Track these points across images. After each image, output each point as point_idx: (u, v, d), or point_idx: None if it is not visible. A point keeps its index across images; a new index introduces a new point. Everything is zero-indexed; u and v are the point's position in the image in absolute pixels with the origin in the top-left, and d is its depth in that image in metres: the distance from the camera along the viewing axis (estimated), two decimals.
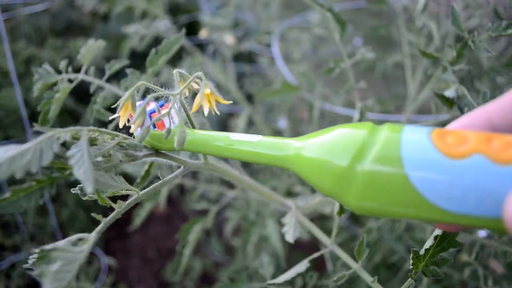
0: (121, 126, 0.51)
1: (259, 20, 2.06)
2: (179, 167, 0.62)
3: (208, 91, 0.54)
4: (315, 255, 0.72)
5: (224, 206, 1.39)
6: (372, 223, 1.15)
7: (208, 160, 0.64)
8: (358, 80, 1.01)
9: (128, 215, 1.42)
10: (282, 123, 1.67)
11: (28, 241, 1.77)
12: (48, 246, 0.46)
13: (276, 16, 1.94)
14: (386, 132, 0.43)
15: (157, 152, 0.57)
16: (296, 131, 1.78)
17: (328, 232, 0.80)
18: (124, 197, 0.56)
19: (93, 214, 0.52)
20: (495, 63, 1.20)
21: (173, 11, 2.32)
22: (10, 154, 0.40)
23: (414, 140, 0.42)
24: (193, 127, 0.58)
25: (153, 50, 0.74)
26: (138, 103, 0.53)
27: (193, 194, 1.35)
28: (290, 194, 1.31)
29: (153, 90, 0.53)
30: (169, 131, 0.52)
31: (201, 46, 1.88)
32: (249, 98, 1.90)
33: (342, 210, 0.71)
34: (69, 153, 0.43)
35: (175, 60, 1.77)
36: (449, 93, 0.69)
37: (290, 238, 0.72)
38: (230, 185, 1.37)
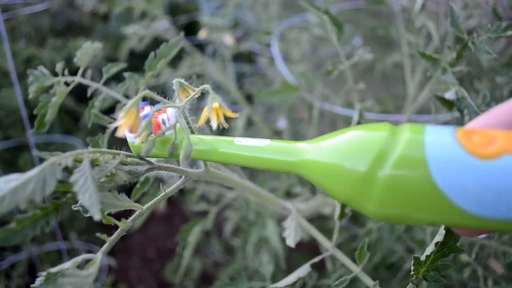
0: (121, 135, 0.49)
1: (258, 20, 2.06)
2: (180, 176, 0.61)
3: (216, 105, 0.53)
4: (316, 259, 0.72)
5: (224, 207, 1.39)
6: (372, 223, 1.15)
7: (208, 168, 0.62)
8: (358, 80, 1.02)
9: (128, 215, 1.42)
10: (282, 123, 1.67)
11: (28, 241, 1.77)
12: (54, 269, 0.45)
13: (276, 16, 1.94)
14: (407, 133, 0.40)
15: (159, 166, 0.56)
16: (295, 131, 1.78)
17: (328, 233, 0.80)
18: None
19: (98, 234, 0.51)
20: (495, 63, 1.20)
21: (173, 11, 2.32)
22: (12, 185, 0.39)
23: (439, 141, 0.39)
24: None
25: (151, 54, 0.73)
26: (143, 110, 0.52)
27: (193, 195, 1.35)
28: (289, 194, 1.31)
29: (155, 100, 0.53)
30: (173, 144, 0.50)
31: (201, 46, 1.88)
32: (249, 98, 1.90)
33: (343, 214, 0.70)
34: (72, 179, 0.42)
35: (175, 60, 1.77)
36: (449, 95, 0.69)
37: (291, 242, 0.71)
38: (229, 186, 1.37)
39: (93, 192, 0.41)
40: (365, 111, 0.88)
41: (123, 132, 0.48)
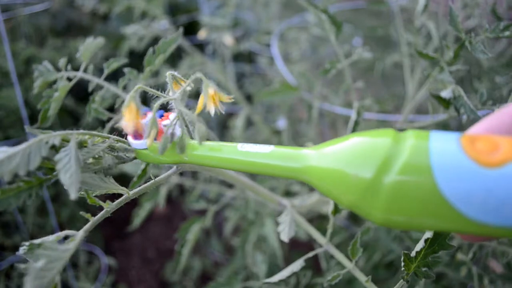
0: (129, 132, 0.49)
1: (258, 20, 2.07)
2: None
3: (212, 91, 0.53)
4: (310, 254, 0.72)
5: (224, 206, 1.39)
6: (370, 222, 1.15)
7: None
8: (357, 80, 1.02)
9: (127, 215, 1.43)
10: (281, 123, 1.67)
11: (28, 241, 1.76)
12: (37, 240, 0.46)
13: (275, 16, 1.95)
14: (412, 140, 0.40)
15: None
16: (295, 131, 1.78)
17: (326, 232, 0.80)
18: (119, 196, 0.55)
19: (82, 213, 0.52)
20: (495, 63, 1.20)
21: (173, 11, 2.32)
22: None
23: (444, 148, 0.39)
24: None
25: (150, 50, 0.74)
26: (146, 116, 0.51)
27: (192, 194, 1.35)
28: (288, 194, 1.31)
29: (153, 96, 0.53)
30: (167, 140, 0.50)
31: (201, 46, 1.88)
32: (249, 98, 1.90)
33: (336, 209, 0.70)
34: (56, 157, 0.44)
35: (175, 60, 1.77)
36: (446, 93, 0.69)
37: (285, 237, 0.71)
38: (229, 185, 1.38)
39: (75, 171, 0.42)
40: (364, 110, 0.88)
41: (132, 129, 0.49)
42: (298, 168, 0.47)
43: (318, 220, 1.41)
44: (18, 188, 0.47)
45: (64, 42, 2.15)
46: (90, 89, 0.78)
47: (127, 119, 0.48)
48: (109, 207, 0.53)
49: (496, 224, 0.37)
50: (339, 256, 0.72)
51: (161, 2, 1.67)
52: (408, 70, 1.23)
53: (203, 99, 0.53)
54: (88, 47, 0.75)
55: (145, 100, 0.52)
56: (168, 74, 0.55)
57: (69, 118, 2.04)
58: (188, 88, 0.55)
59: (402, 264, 0.55)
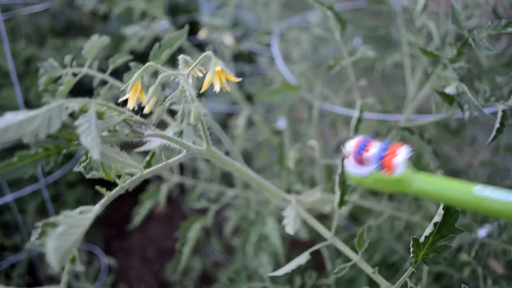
0: (131, 107, 0.51)
1: (258, 20, 2.07)
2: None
3: (219, 68, 0.54)
4: (316, 247, 0.72)
5: (224, 206, 1.39)
6: (372, 221, 1.15)
7: (210, 146, 0.64)
8: (358, 79, 1.02)
9: (127, 215, 1.42)
10: (282, 123, 1.67)
11: (28, 241, 1.76)
12: (51, 219, 0.46)
13: (275, 16, 1.95)
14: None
15: (161, 134, 0.56)
16: (295, 131, 1.78)
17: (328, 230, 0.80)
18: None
19: (98, 187, 0.52)
20: (495, 63, 1.21)
21: (173, 11, 2.32)
22: (19, 118, 0.41)
23: None
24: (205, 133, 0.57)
25: (156, 44, 0.74)
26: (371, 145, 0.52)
27: (193, 193, 1.35)
28: (290, 192, 1.31)
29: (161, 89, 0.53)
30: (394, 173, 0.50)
31: (201, 46, 1.88)
32: (249, 98, 1.90)
33: (342, 201, 0.71)
34: (77, 122, 0.44)
35: (175, 60, 1.77)
36: (450, 90, 0.69)
37: (290, 230, 0.71)
38: (230, 184, 1.37)
39: (96, 136, 0.43)
40: (366, 109, 0.88)
41: (133, 104, 0.51)
42: None
43: (319, 219, 1.41)
44: (36, 154, 0.46)
45: (64, 42, 2.14)
46: (94, 84, 0.79)
47: (131, 96, 0.50)
48: (124, 183, 0.53)
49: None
50: (345, 249, 0.72)
51: (161, 2, 1.67)
52: (409, 69, 1.23)
53: (210, 76, 0.54)
54: (94, 44, 0.75)
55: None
56: (181, 57, 0.57)
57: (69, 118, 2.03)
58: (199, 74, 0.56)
59: (411, 250, 0.55)
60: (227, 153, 0.74)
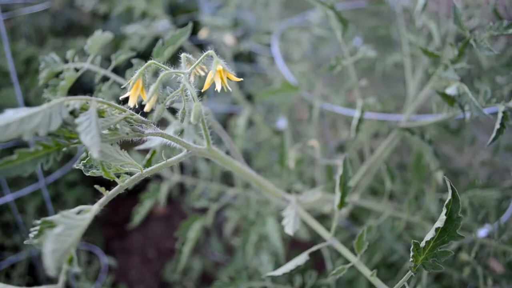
0: (131, 105, 0.51)
1: (259, 20, 2.06)
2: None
3: (220, 67, 0.54)
4: (315, 247, 0.72)
5: (224, 205, 1.39)
6: (372, 221, 1.15)
7: (211, 146, 0.64)
8: (359, 79, 1.02)
9: (127, 216, 1.42)
10: (282, 123, 1.67)
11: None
12: (48, 218, 0.46)
13: (276, 16, 1.94)
14: None
15: (162, 132, 0.57)
16: (296, 131, 1.78)
17: (328, 230, 0.80)
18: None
19: (97, 186, 0.52)
20: (495, 63, 1.20)
21: (173, 11, 2.32)
22: (20, 116, 0.41)
23: None
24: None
25: (159, 42, 0.74)
26: None
27: (193, 192, 1.35)
28: (290, 193, 1.31)
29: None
30: None
31: (201, 46, 1.88)
32: (249, 98, 1.90)
33: (342, 203, 0.71)
34: (77, 120, 0.44)
35: (175, 60, 1.77)
36: (451, 90, 0.69)
37: (290, 230, 0.71)
38: (230, 184, 1.37)
39: (95, 134, 0.43)
40: (367, 109, 0.88)
41: (134, 102, 0.51)
42: None
43: (319, 219, 1.41)
44: (36, 152, 0.46)
45: (64, 42, 2.14)
46: (96, 80, 0.79)
47: (132, 94, 0.50)
48: (123, 182, 0.53)
49: None
50: (344, 250, 0.72)
51: (161, 2, 1.67)
52: (409, 70, 1.23)
53: (211, 75, 0.55)
54: (96, 40, 0.75)
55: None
56: (183, 55, 0.57)
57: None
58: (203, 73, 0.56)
59: (411, 254, 0.55)
60: (227, 153, 0.74)
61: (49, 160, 0.47)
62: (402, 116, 1.11)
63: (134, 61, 0.80)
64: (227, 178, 1.47)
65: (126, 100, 0.56)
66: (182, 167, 1.73)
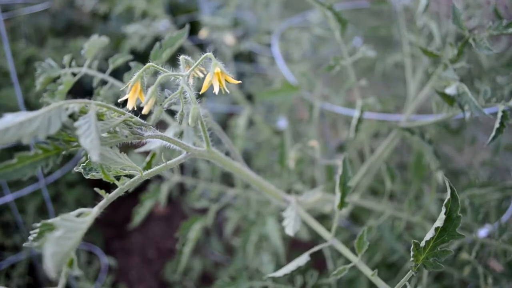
0: (130, 108, 0.51)
1: (259, 20, 2.06)
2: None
3: (218, 70, 0.54)
4: (316, 248, 0.72)
5: (224, 206, 1.39)
6: (373, 221, 1.15)
7: (210, 148, 0.64)
8: (358, 79, 1.02)
9: (127, 216, 1.42)
10: (282, 123, 1.67)
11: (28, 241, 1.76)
12: (49, 220, 0.46)
13: (276, 16, 1.94)
14: None
15: (161, 135, 0.57)
16: (296, 131, 1.77)
17: (328, 230, 0.80)
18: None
19: (96, 189, 0.52)
20: (495, 63, 1.20)
21: (173, 11, 2.32)
22: (19, 119, 0.40)
23: None
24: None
25: (157, 44, 0.74)
26: None
27: (193, 193, 1.35)
28: (290, 192, 1.31)
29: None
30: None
31: (201, 46, 1.88)
32: (249, 98, 1.90)
33: (342, 203, 0.71)
34: (77, 123, 0.43)
35: (175, 60, 1.77)
36: (450, 90, 0.69)
37: (290, 231, 0.71)
38: (230, 184, 1.37)
39: (95, 137, 0.43)
40: (367, 109, 0.88)
41: (133, 105, 0.51)
42: None
43: (319, 220, 1.41)
44: (36, 155, 0.46)
45: (64, 42, 2.14)
46: (94, 84, 0.79)
47: (131, 97, 0.50)
48: (123, 185, 0.53)
49: None
50: (345, 250, 0.72)
51: (161, 2, 1.67)
52: (410, 70, 1.23)
53: (209, 77, 0.55)
54: (93, 44, 0.75)
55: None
56: (182, 58, 0.57)
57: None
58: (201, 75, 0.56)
59: (411, 254, 0.56)
60: (227, 154, 0.74)
61: (49, 164, 0.47)
62: (402, 116, 1.11)
63: (132, 64, 0.80)
64: (227, 178, 1.47)
65: (124, 103, 0.56)
66: (182, 168, 1.73)
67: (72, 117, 0.44)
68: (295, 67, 1.61)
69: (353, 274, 1.20)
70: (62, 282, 0.44)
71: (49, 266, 0.38)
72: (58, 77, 0.74)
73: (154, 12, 1.65)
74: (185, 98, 0.54)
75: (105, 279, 1.86)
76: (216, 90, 0.54)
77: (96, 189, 0.52)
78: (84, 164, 0.54)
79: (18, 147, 1.68)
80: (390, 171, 1.08)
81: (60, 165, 1.71)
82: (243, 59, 2.25)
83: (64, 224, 0.42)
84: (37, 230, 0.47)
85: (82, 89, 2.01)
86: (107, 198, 0.52)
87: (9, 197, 1.51)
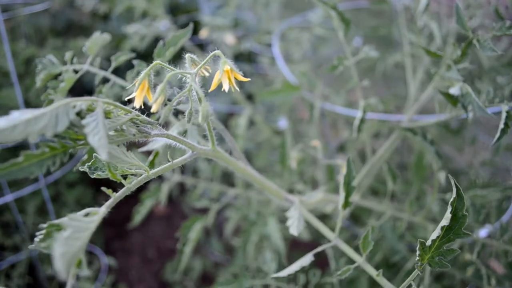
0: (137, 106, 0.51)
1: (259, 20, 2.06)
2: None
3: (228, 67, 0.54)
4: (319, 248, 0.72)
5: (225, 205, 1.39)
6: (374, 222, 1.15)
7: (215, 147, 0.64)
8: (360, 79, 1.02)
9: (127, 215, 1.42)
10: (282, 123, 1.67)
11: (28, 241, 1.76)
12: (55, 221, 0.46)
13: (276, 16, 1.94)
14: None
15: (167, 134, 0.56)
16: (296, 131, 1.77)
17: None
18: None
19: (103, 188, 0.51)
20: (496, 63, 1.20)
21: (173, 11, 2.32)
22: (26, 117, 0.40)
23: None
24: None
25: (160, 42, 0.74)
26: None
27: (193, 192, 1.35)
28: (291, 192, 1.31)
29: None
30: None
31: (201, 46, 1.88)
32: (249, 98, 1.90)
33: (347, 203, 0.71)
34: (84, 121, 0.43)
35: (175, 60, 1.77)
36: (454, 90, 0.69)
37: (294, 231, 0.71)
38: (230, 184, 1.37)
39: (103, 135, 0.42)
40: (369, 109, 0.88)
41: (140, 103, 0.51)
42: None
43: (320, 219, 1.41)
44: (42, 154, 0.46)
45: (64, 42, 2.14)
46: (96, 82, 0.78)
47: (138, 95, 0.50)
48: (130, 184, 0.53)
49: None
50: (349, 250, 0.72)
51: (161, 2, 1.67)
52: (410, 70, 1.23)
53: (219, 75, 0.55)
54: (95, 41, 0.75)
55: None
56: (188, 56, 0.57)
57: None
58: (206, 73, 0.56)
59: (417, 253, 0.56)
60: (230, 153, 0.74)
61: (56, 162, 0.46)
62: (403, 116, 1.11)
63: (135, 62, 0.80)
64: (227, 178, 1.47)
65: (128, 101, 0.56)
66: (182, 167, 1.73)
67: (79, 115, 0.44)
68: (295, 67, 1.61)
69: (354, 273, 1.20)
70: (70, 282, 0.44)
71: (59, 266, 0.38)
72: (59, 74, 0.74)
73: (154, 12, 1.65)
74: (192, 96, 0.54)
75: (105, 279, 1.86)
76: (226, 88, 0.54)
77: (103, 188, 0.52)
78: (89, 164, 0.54)
79: (17, 147, 1.68)
80: (392, 171, 1.08)
81: (61, 165, 1.71)
82: (243, 59, 2.25)
83: (72, 224, 0.42)
84: (43, 231, 0.46)
85: (82, 88, 2.01)
86: (114, 197, 0.52)
87: (9, 197, 1.51)
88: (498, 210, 1.06)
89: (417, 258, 0.56)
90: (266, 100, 1.54)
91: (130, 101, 0.55)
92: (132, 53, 0.83)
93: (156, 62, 0.52)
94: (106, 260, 1.93)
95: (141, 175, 0.55)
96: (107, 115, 0.48)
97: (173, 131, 0.73)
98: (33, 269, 1.81)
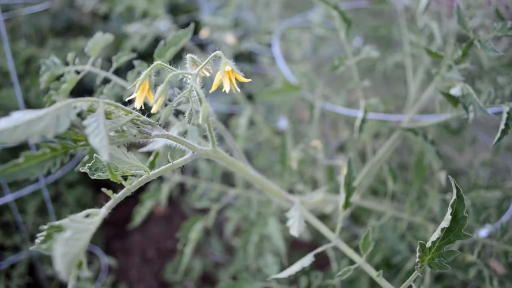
0: (138, 107, 0.51)
1: (259, 20, 2.06)
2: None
3: (229, 68, 0.54)
4: (320, 249, 0.72)
5: (225, 206, 1.39)
6: (374, 222, 1.15)
7: (216, 148, 0.64)
8: (360, 79, 1.02)
9: (127, 216, 1.42)
10: (283, 123, 1.67)
11: (28, 241, 1.76)
12: (56, 222, 0.46)
13: (276, 16, 1.94)
14: None
15: (168, 134, 0.56)
16: (296, 131, 1.77)
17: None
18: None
19: (104, 189, 0.51)
20: (496, 63, 1.20)
21: (173, 11, 2.32)
22: (27, 118, 0.40)
23: None
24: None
25: (161, 42, 0.74)
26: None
27: (194, 192, 1.35)
28: (291, 192, 1.31)
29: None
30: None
31: (201, 46, 1.87)
32: (250, 98, 1.89)
33: (347, 204, 0.71)
34: (85, 122, 0.43)
35: (176, 60, 1.77)
36: (455, 91, 0.69)
37: (295, 231, 0.71)
38: (231, 184, 1.37)
39: (104, 136, 0.42)
40: (370, 109, 0.88)
41: (141, 103, 0.51)
42: None
43: (320, 220, 1.41)
44: (43, 155, 0.45)
45: (64, 42, 2.14)
46: (97, 82, 0.78)
47: (138, 96, 0.50)
48: (130, 185, 0.53)
49: None
50: (349, 251, 0.72)
51: (161, 1, 1.67)
52: (410, 70, 1.23)
53: (220, 76, 0.55)
54: (97, 41, 0.75)
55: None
56: (188, 56, 0.57)
57: None
58: (207, 73, 0.56)
59: (417, 255, 0.56)
60: (230, 153, 0.74)
61: (56, 163, 0.46)
62: (404, 117, 1.11)
63: (135, 62, 0.80)
64: (228, 178, 1.47)
65: (129, 102, 0.55)
66: (182, 167, 1.73)
67: (80, 115, 0.44)
68: (295, 67, 1.61)
69: (355, 274, 1.20)
70: (71, 283, 0.44)
71: (60, 267, 0.38)
72: (61, 75, 0.74)
73: (154, 12, 1.65)
74: (193, 97, 0.54)
75: (105, 279, 1.85)
76: (227, 88, 0.54)
77: (103, 189, 0.52)
78: (89, 164, 0.54)
79: (17, 147, 1.68)
80: (392, 171, 1.08)
81: (61, 165, 1.71)
82: (244, 59, 2.25)
83: (73, 225, 0.42)
84: (44, 233, 0.46)
85: (82, 89, 2.01)
86: (115, 198, 0.52)
87: (9, 197, 1.50)
88: (498, 210, 1.06)
89: (417, 259, 0.56)
90: (266, 100, 1.54)
91: (131, 101, 0.55)
92: (133, 53, 0.83)
93: (157, 63, 0.52)
94: (106, 260, 1.93)
95: (141, 176, 0.55)
96: (108, 115, 0.48)
97: (174, 131, 0.73)
98: (33, 269, 1.81)
